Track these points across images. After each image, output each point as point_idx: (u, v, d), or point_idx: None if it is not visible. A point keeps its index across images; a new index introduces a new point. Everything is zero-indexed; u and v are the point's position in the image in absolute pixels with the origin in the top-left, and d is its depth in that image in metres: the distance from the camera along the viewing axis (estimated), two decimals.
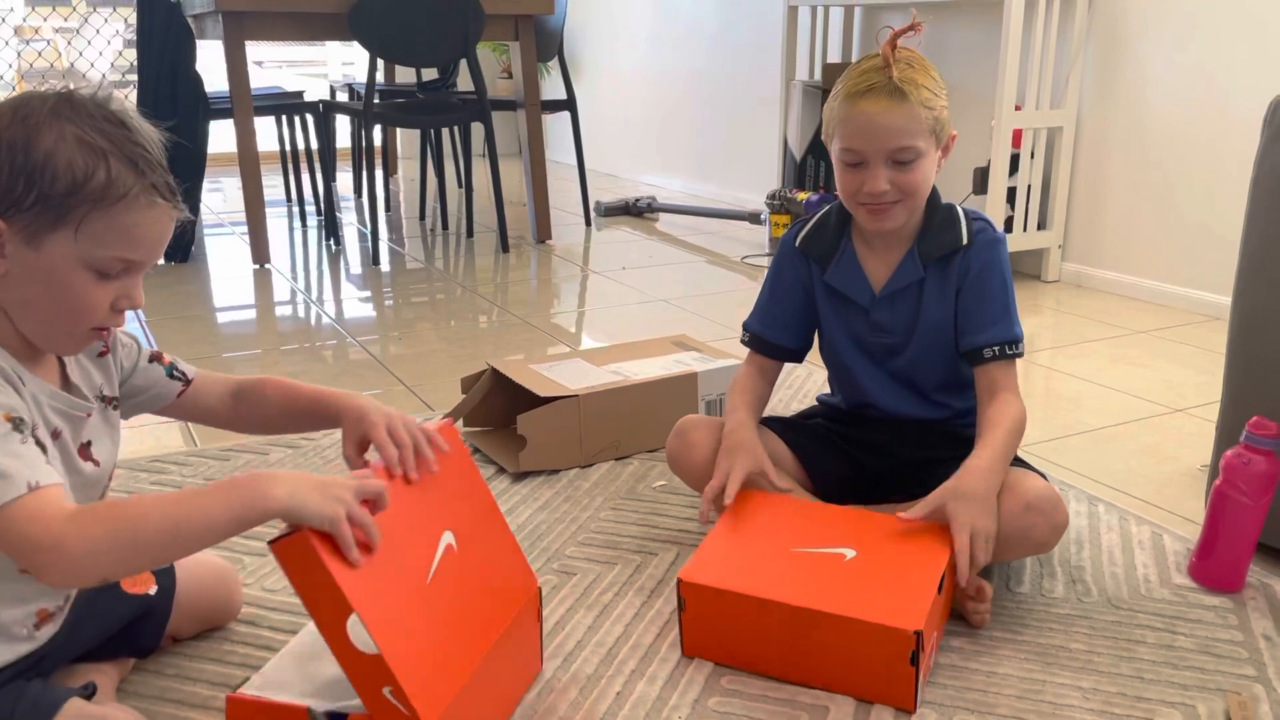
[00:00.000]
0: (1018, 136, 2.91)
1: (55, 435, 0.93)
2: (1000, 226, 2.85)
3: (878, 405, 1.42)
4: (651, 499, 1.60)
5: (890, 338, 1.39)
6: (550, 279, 3.20)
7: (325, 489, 0.87)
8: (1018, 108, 2.87)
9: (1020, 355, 1.33)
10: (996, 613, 1.26)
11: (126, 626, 1.10)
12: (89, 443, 0.98)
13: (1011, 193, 2.94)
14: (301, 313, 2.84)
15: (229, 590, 1.23)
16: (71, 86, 0.91)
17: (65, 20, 5.32)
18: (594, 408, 1.70)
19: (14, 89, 5.18)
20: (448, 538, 1.01)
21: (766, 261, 3.32)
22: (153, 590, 1.12)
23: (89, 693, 1.00)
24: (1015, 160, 2.93)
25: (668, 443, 1.47)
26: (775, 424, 1.46)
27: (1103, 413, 2.01)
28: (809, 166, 3.52)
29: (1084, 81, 2.92)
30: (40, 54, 5.28)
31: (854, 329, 1.41)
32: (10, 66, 5.16)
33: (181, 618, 1.16)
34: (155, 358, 1.10)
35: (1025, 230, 3.00)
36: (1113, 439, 1.88)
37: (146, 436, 1.88)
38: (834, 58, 3.67)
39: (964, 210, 1.37)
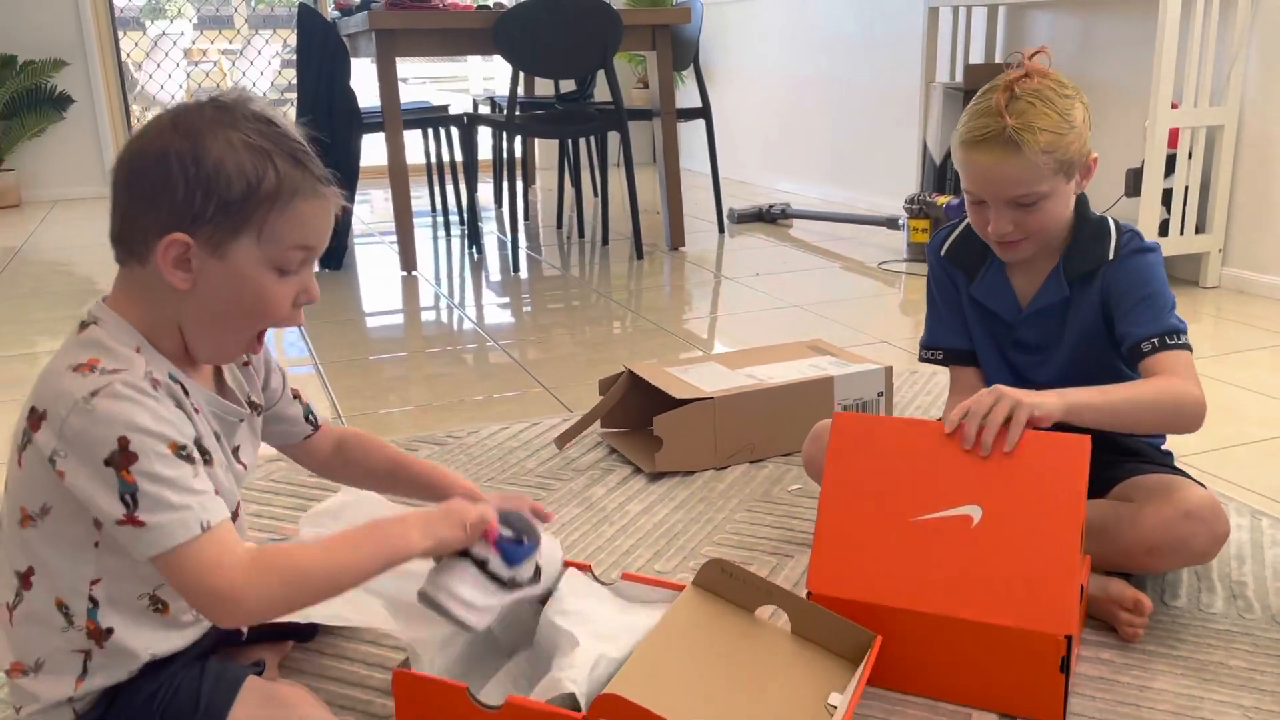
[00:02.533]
0: (1174, 136, 2.77)
1: (216, 438, 0.98)
2: (1155, 230, 2.76)
3: None
4: (787, 502, 1.60)
5: (1034, 355, 1.35)
6: (683, 285, 3.23)
7: (449, 518, 0.98)
8: (1174, 105, 2.74)
9: (1185, 346, 1.23)
10: (1150, 626, 1.21)
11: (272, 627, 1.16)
12: (238, 447, 1.03)
13: (1167, 195, 2.81)
14: (445, 318, 2.95)
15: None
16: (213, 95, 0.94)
17: (230, 42, 5.67)
18: (729, 410, 1.71)
19: None
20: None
21: (904, 267, 3.27)
22: None
23: (260, 670, 1.06)
24: (1171, 161, 2.79)
25: (804, 447, 1.48)
26: None
27: (1267, 423, 1.90)
28: (949, 170, 3.45)
29: (1247, 77, 2.76)
30: (207, 74, 5.64)
31: (998, 341, 1.38)
32: (180, 87, 5.53)
33: None
34: (296, 395, 1.15)
35: (1182, 234, 2.86)
36: (1278, 451, 1.78)
37: None
38: (976, 59, 3.58)
39: (1115, 223, 1.31)
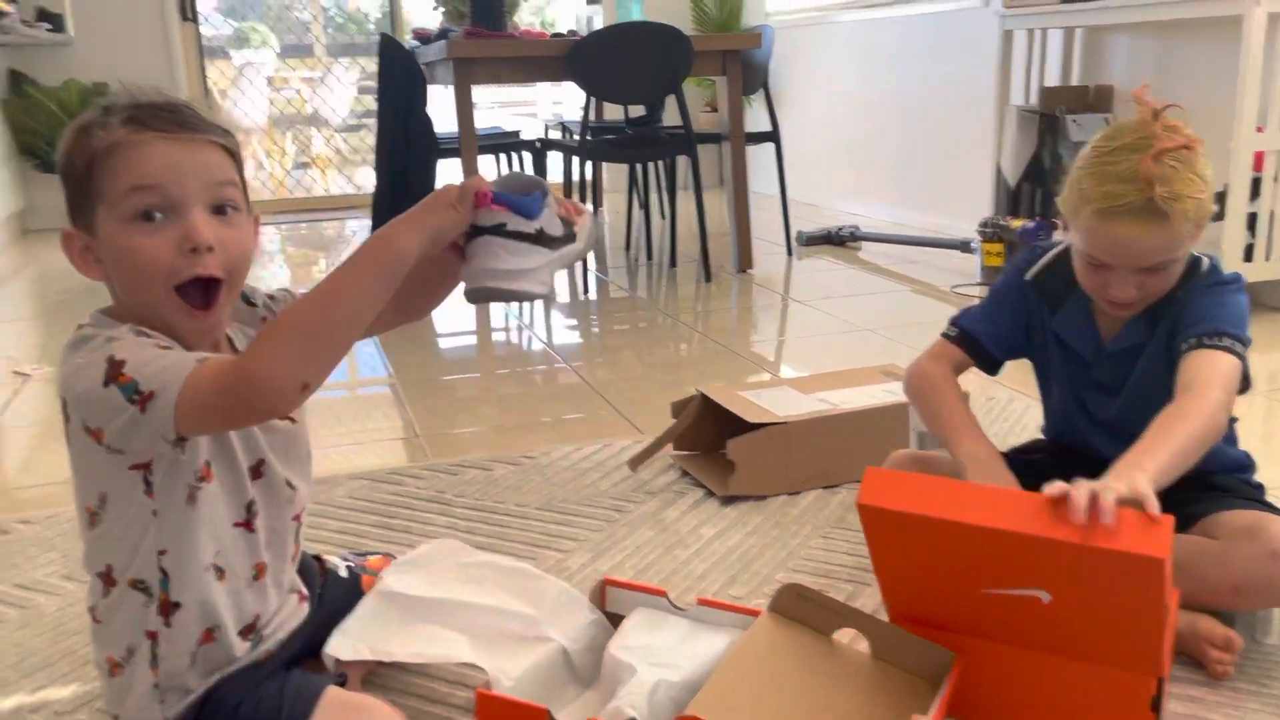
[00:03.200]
0: (1259, 159, 2.71)
1: None
2: (1240, 255, 2.69)
3: (1097, 451, 1.36)
4: (862, 529, 1.58)
5: (1108, 396, 1.31)
6: (751, 307, 3.24)
7: (434, 204, 0.93)
8: (1259, 129, 2.68)
9: (1229, 350, 1.14)
10: (1240, 664, 1.18)
11: None
12: None
13: (1252, 219, 2.74)
14: (515, 338, 2.99)
15: None
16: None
17: (311, 70, 5.84)
18: (803, 435, 1.71)
19: (265, 134, 5.73)
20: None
21: (979, 291, 3.23)
22: None
23: (342, 682, 1.09)
24: (1256, 184, 2.73)
25: None
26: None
27: None
28: (1024, 193, 3.41)
29: None
30: (289, 101, 5.81)
31: (1073, 377, 1.35)
32: (263, 113, 5.71)
33: None
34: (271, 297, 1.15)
35: (1268, 259, 2.78)
36: None
37: (380, 450, 2.03)
38: (1052, 81, 3.54)
39: (1207, 259, 1.26)
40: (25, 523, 1.70)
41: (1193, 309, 1.21)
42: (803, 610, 1.13)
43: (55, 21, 4.82)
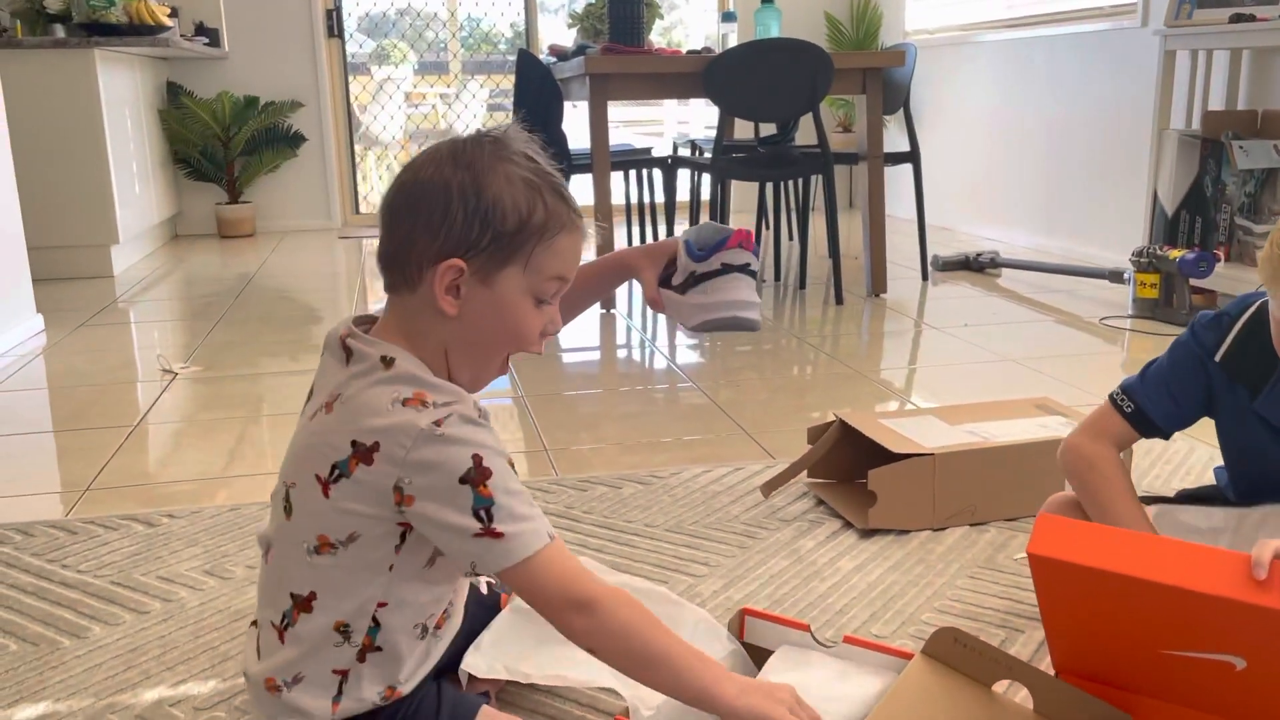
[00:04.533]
0: None
1: None
2: None
3: None
4: (1014, 571, 1.49)
5: None
6: (882, 333, 3.13)
7: (775, 697, 0.94)
8: None
9: None
10: None
11: None
12: None
13: None
14: (638, 355, 2.97)
15: None
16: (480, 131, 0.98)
17: (447, 87, 5.98)
18: (951, 468, 1.62)
19: (401, 148, 5.89)
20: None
21: (1129, 323, 3.06)
22: None
23: (488, 700, 1.07)
24: None
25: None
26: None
27: None
28: (1182, 221, 3.21)
29: None
30: (425, 116, 5.96)
31: (1278, 460, 1.20)
32: (400, 128, 5.87)
33: None
34: None
35: None
36: None
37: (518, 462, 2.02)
38: (1216, 105, 3.34)
39: None
40: (170, 516, 1.74)
41: None
42: (959, 657, 1.05)
43: (212, 36, 5.07)
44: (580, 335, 3.19)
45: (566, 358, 2.97)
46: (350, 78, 5.63)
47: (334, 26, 5.41)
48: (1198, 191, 3.18)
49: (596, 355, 2.99)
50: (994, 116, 4.72)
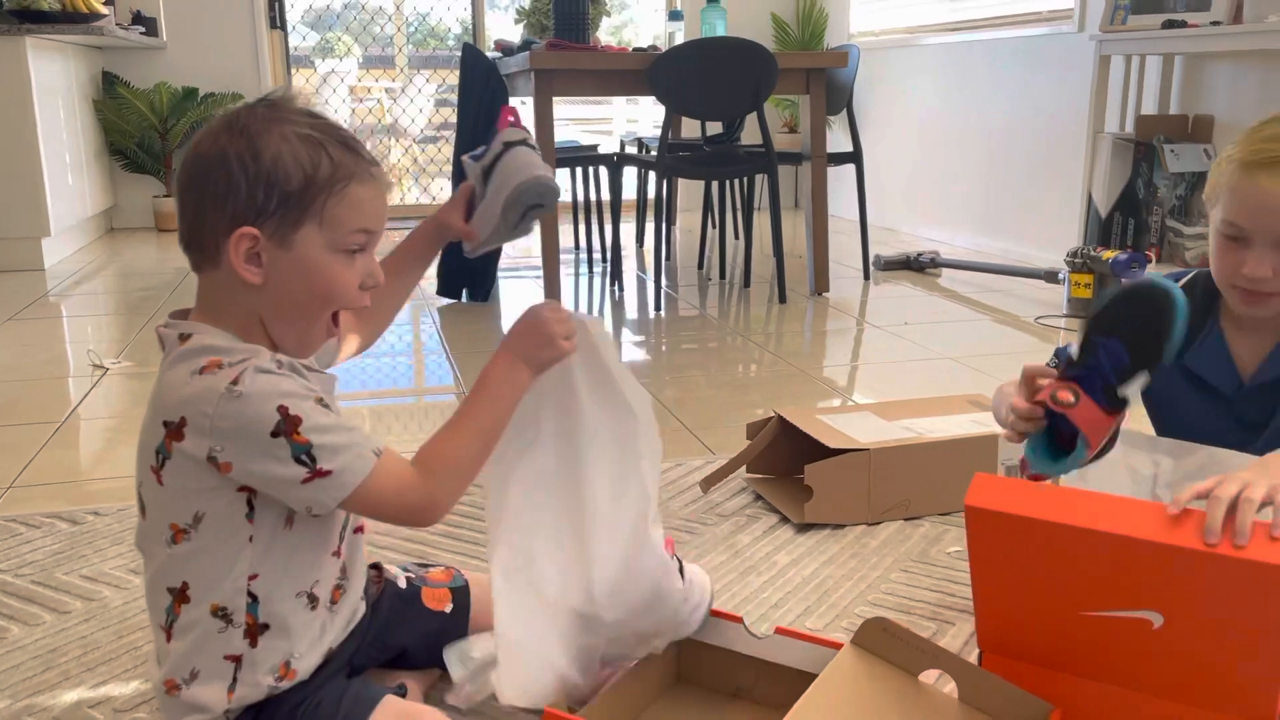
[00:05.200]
0: None
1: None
2: None
3: None
4: (946, 564, 1.51)
5: (1250, 433, 1.22)
6: (825, 331, 3.16)
7: (550, 342, 1.03)
8: None
9: None
10: None
11: (427, 644, 1.16)
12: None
13: None
14: None
15: None
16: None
17: (392, 81, 5.91)
18: (885, 463, 1.64)
19: None
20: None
21: (1064, 322, 3.12)
22: (449, 609, 1.18)
23: (402, 693, 1.06)
24: None
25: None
26: None
27: None
28: (1115, 223, 3.29)
29: None
30: (370, 110, 5.89)
31: (1208, 417, 1.26)
32: (345, 121, 5.80)
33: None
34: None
35: None
36: None
37: None
38: (1149, 110, 3.42)
39: None
40: (96, 514, 1.70)
41: None
42: (888, 646, 1.07)
43: (149, 25, 4.95)
44: None
45: None
46: (293, 70, 5.54)
47: (276, 18, 5.32)
48: (1130, 194, 3.25)
49: None
50: (936, 118, 4.78)
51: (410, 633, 1.16)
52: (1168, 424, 1.32)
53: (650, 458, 1.10)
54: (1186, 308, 1.08)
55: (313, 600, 0.98)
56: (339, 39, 5.77)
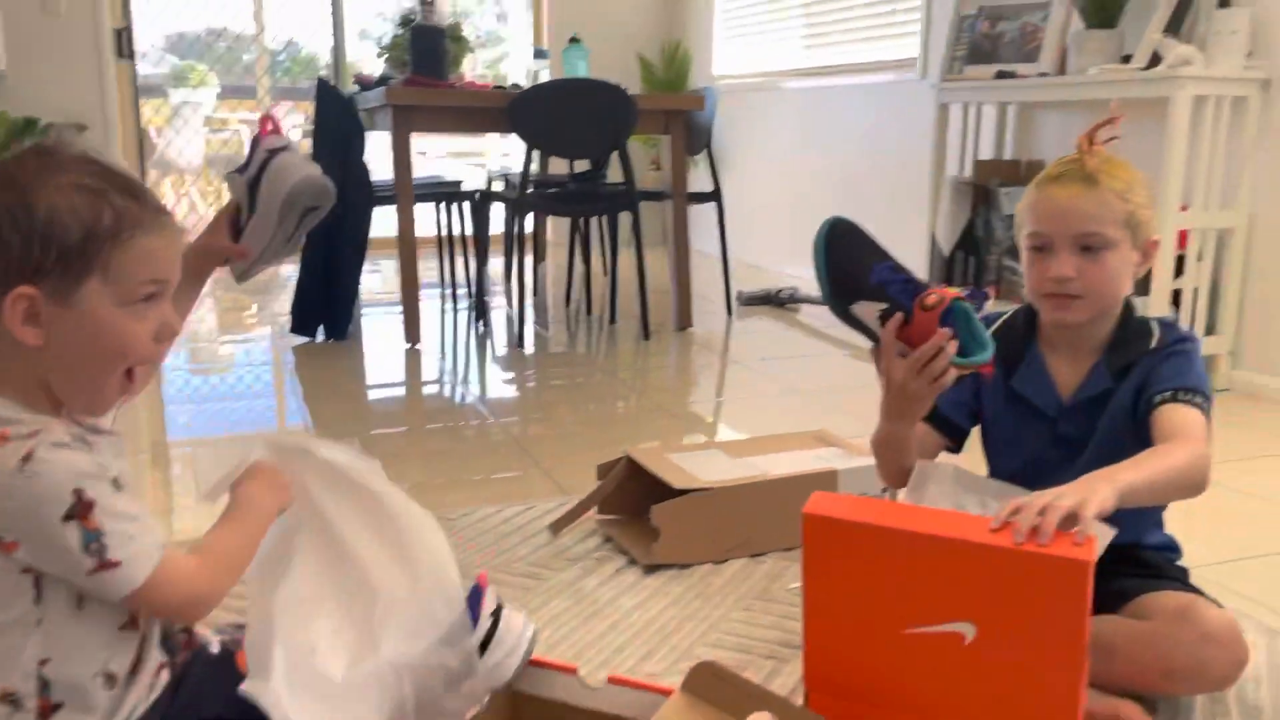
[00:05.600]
0: (1183, 238, 2.77)
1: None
2: None
3: None
4: (786, 601, 1.54)
5: (1071, 450, 1.30)
6: (689, 367, 3.21)
7: (278, 487, 1.04)
8: (1183, 208, 2.74)
9: (1199, 406, 1.19)
10: None
11: (243, 710, 1.10)
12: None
13: (1176, 295, 2.80)
14: (447, 392, 2.92)
15: None
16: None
17: (251, 112, 5.77)
18: (729, 502, 1.67)
19: (199, 175, 5.63)
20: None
21: None
22: None
23: None
24: (1181, 262, 2.79)
25: None
26: None
27: None
28: (958, 261, 3.45)
29: (1258, 180, 2.77)
30: (225, 142, 5.73)
31: (1032, 438, 1.33)
32: (198, 153, 5.61)
33: None
34: None
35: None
36: None
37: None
38: (986, 154, 3.61)
39: (1160, 320, 1.30)
40: None
41: (1166, 366, 1.24)
42: (717, 691, 1.08)
43: None
44: (385, 371, 3.12)
45: (372, 394, 2.90)
46: (142, 100, 5.34)
47: (123, 47, 5.12)
48: (970, 234, 3.42)
49: (402, 392, 2.93)
50: (794, 159, 4.94)
51: (221, 701, 1.10)
52: (996, 444, 1.39)
53: (421, 525, 1.12)
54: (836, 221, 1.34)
55: (110, 680, 0.93)
56: (192, 68, 5.60)
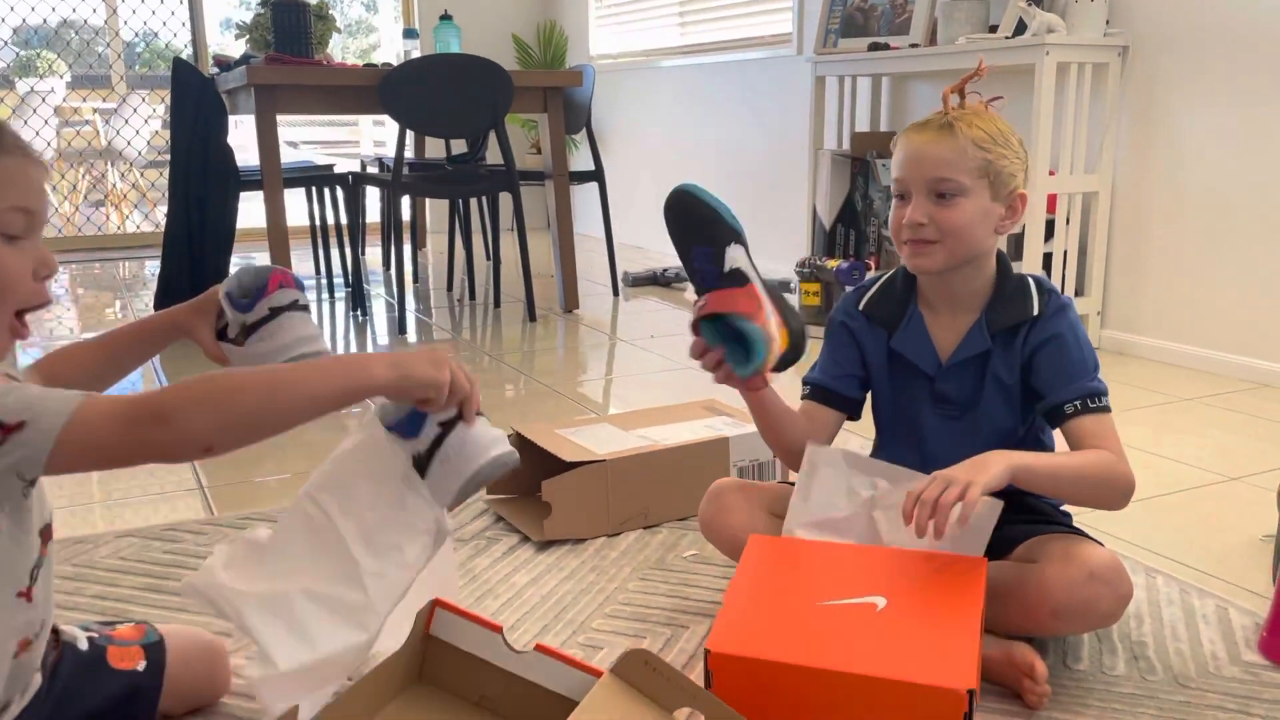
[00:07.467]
0: (1052, 202, 2.86)
1: None
2: None
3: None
4: (682, 569, 1.52)
5: (953, 409, 1.32)
6: (577, 348, 3.17)
7: (422, 359, 0.92)
8: (1051, 173, 2.83)
9: (1106, 409, 1.24)
10: (1055, 692, 1.17)
11: (117, 707, 1.04)
12: None
13: (1047, 259, 2.89)
14: None
15: (217, 666, 1.17)
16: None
17: (104, 100, 5.45)
18: (622, 474, 1.64)
19: (52, 169, 5.30)
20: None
21: None
22: (141, 666, 1.06)
23: None
24: (1050, 226, 2.88)
25: (700, 508, 1.41)
26: None
27: (1154, 482, 1.92)
28: (839, 234, 3.49)
29: (1119, 146, 2.88)
30: (78, 133, 5.39)
31: (916, 397, 1.34)
32: (49, 145, 5.27)
33: (170, 696, 1.09)
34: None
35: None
36: (1167, 508, 1.79)
37: (161, 505, 1.83)
38: (862, 127, 3.66)
39: (1036, 280, 1.32)
40: None
41: (1049, 333, 1.26)
42: (647, 680, 1.04)
43: None
44: None
45: None
46: None
47: None
48: (850, 207, 3.47)
49: None
50: (674, 138, 4.94)
51: (95, 698, 1.02)
52: (879, 405, 1.40)
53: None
54: (695, 187, 1.28)
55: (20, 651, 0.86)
56: (39, 55, 5.26)
